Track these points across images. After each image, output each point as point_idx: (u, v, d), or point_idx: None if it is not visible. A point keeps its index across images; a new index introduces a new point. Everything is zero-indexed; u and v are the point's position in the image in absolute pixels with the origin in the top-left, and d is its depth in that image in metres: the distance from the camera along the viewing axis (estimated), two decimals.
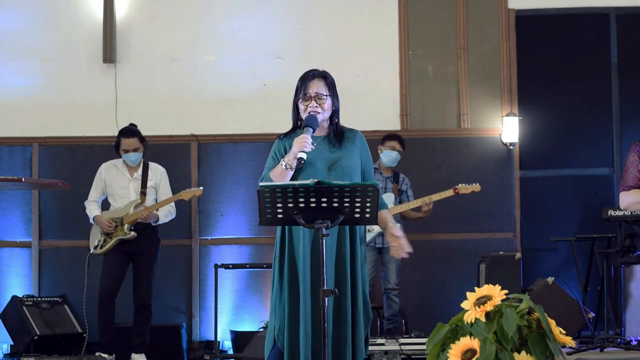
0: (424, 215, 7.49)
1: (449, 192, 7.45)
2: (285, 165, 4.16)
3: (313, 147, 4.16)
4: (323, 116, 4.28)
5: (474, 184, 7.50)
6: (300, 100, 4.31)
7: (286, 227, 4.26)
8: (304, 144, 4.10)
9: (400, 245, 4.27)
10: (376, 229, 7.35)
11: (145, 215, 7.01)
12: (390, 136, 7.62)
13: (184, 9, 8.67)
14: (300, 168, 4.21)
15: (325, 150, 4.29)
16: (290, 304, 4.21)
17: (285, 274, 4.25)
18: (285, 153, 4.26)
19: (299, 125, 4.31)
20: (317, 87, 4.28)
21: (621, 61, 8.66)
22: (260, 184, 3.89)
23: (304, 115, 4.28)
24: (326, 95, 4.28)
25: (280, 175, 4.20)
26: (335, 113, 4.35)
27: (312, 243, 4.18)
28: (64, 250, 8.40)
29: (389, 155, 7.53)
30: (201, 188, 7.27)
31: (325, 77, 4.32)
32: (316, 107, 4.26)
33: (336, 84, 4.39)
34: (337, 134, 4.32)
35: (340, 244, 4.23)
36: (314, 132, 4.21)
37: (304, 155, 4.10)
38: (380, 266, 7.56)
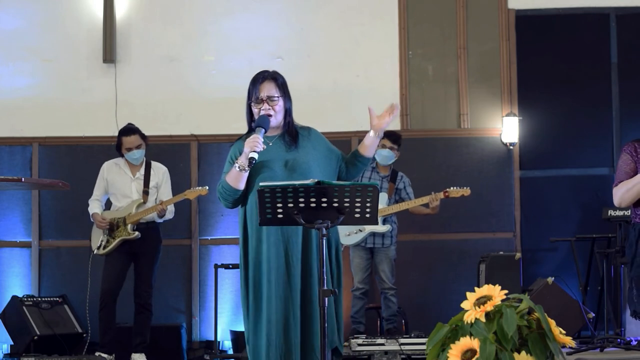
0: (433, 212, 7.49)
1: (440, 195, 7.44)
2: (239, 167, 4.19)
3: (264, 147, 4.19)
4: (276, 118, 4.33)
5: (464, 188, 7.48)
6: (252, 103, 4.36)
7: (247, 228, 4.30)
8: (255, 144, 4.13)
9: (382, 118, 4.33)
10: (367, 228, 7.37)
11: (160, 209, 6.98)
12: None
13: (184, 9, 8.67)
14: (258, 168, 4.26)
15: (281, 150, 4.33)
16: (255, 306, 4.27)
17: (250, 276, 4.31)
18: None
19: (253, 127, 4.32)
20: (268, 89, 4.34)
21: (621, 61, 8.66)
22: (261, 184, 3.90)
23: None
24: (277, 97, 4.33)
25: (235, 178, 4.23)
26: (288, 113, 4.38)
27: (285, 243, 4.23)
28: (64, 250, 8.40)
29: (380, 154, 7.53)
30: (206, 187, 7.26)
31: (275, 78, 4.37)
32: (268, 109, 4.31)
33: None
34: (291, 133, 4.35)
35: (307, 243, 4.27)
36: (265, 132, 4.24)
37: (256, 155, 4.13)
38: (373, 266, 7.56)
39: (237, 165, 4.19)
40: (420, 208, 7.56)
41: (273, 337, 4.19)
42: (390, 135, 7.54)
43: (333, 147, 4.46)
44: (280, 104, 4.34)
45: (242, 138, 4.34)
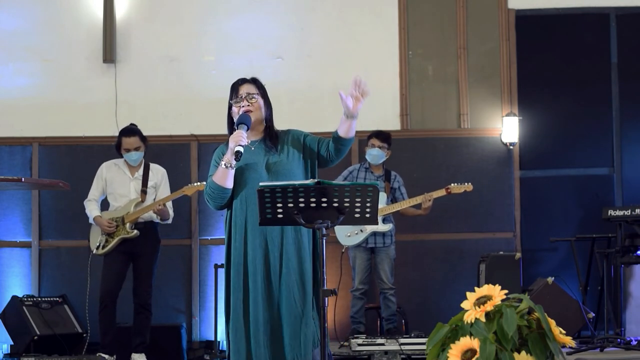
0: (424, 213, 7.49)
1: (441, 192, 7.45)
2: (225, 165, 4.23)
3: (248, 143, 4.23)
4: (256, 116, 4.37)
5: (466, 184, 7.48)
6: (233, 103, 4.42)
7: (232, 231, 4.31)
8: (239, 138, 4.17)
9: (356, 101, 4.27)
10: (369, 228, 7.37)
11: (158, 208, 6.95)
12: (369, 135, 7.64)
13: (184, 9, 8.67)
14: (242, 171, 4.29)
15: (263, 154, 4.36)
16: (239, 308, 4.25)
17: (233, 279, 4.29)
18: None
19: (235, 127, 4.34)
20: (247, 88, 4.42)
21: (621, 61, 8.66)
22: (261, 184, 3.91)
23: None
24: (257, 94, 4.40)
25: (223, 175, 4.26)
26: (268, 119, 4.43)
27: (265, 245, 4.25)
28: (64, 250, 8.40)
29: (370, 154, 7.55)
30: (204, 183, 7.24)
31: (255, 81, 4.47)
32: (248, 105, 4.36)
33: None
34: (272, 138, 4.40)
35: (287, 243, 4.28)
36: (248, 129, 4.27)
37: (241, 149, 4.16)
38: (374, 266, 7.56)
39: (223, 162, 4.24)
40: (411, 209, 7.55)
41: (260, 338, 4.19)
42: (379, 135, 7.56)
43: (310, 139, 4.41)
44: (259, 102, 4.40)
45: (225, 143, 4.36)
